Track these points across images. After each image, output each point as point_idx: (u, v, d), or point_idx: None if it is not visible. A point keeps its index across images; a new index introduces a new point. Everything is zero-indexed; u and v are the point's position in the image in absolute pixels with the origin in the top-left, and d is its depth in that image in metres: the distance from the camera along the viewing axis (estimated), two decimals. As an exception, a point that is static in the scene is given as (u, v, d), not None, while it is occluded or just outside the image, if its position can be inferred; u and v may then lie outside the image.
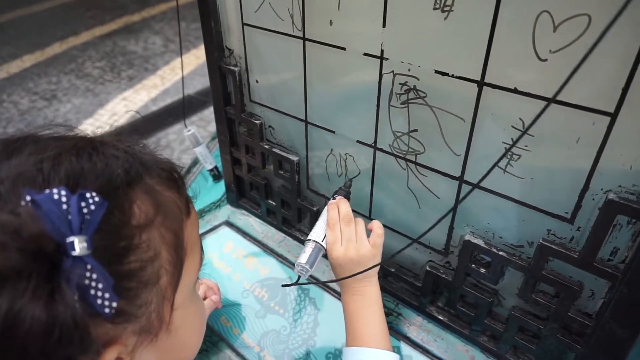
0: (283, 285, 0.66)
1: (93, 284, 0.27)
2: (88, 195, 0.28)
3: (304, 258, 0.61)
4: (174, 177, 0.39)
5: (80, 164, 0.31)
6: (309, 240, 0.63)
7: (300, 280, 0.63)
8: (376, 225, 0.61)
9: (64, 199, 0.27)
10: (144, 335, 0.34)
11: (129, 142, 0.37)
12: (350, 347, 0.58)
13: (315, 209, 0.77)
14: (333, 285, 0.78)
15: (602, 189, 0.46)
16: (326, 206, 0.65)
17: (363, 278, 0.59)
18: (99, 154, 0.32)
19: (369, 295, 0.60)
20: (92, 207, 0.28)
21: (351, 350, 0.58)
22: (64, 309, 0.26)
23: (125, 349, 0.32)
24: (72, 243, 0.26)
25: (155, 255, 0.33)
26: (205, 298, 0.73)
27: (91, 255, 0.27)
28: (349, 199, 0.67)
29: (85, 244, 0.27)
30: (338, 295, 0.76)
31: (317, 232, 0.63)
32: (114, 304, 0.28)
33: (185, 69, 3.01)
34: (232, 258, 0.86)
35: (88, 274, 0.27)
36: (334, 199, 0.66)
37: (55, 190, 0.27)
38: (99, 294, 0.27)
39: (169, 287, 0.35)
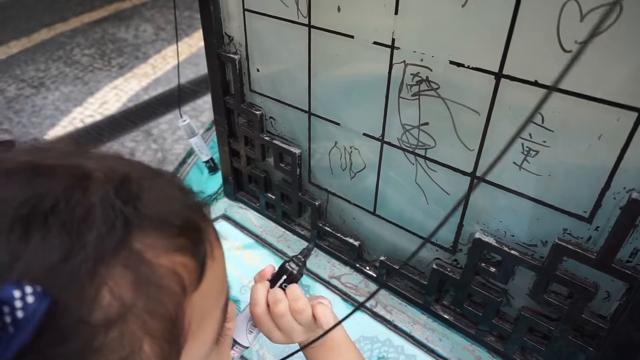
0: None
1: None
2: (17, 294, 0.19)
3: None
4: (188, 231, 0.27)
5: (26, 232, 0.21)
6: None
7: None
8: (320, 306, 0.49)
9: None
10: None
11: (131, 173, 0.26)
12: None
13: (317, 203, 0.75)
14: (335, 282, 0.75)
15: (624, 188, 0.44)
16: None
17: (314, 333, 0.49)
18: (62, 211, 0.22)
19: (332, 342, 0.51)
20: (20, 314, 0.19)
21: None
22: None
23: None
24: None
25: (132, 353, 0.23)
26: None
27: None
28: (299, 277, 0.51)
29: None
30: (340, 292, 0.74)
31: (241, 331, 0.50)
32: None
33: (176, 57, 2.95)
34: (229, 253, 0.83)
35: None
36: (279, 273, 0.51)
37: None
38: None
39: None
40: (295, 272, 0.50)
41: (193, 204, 0.28)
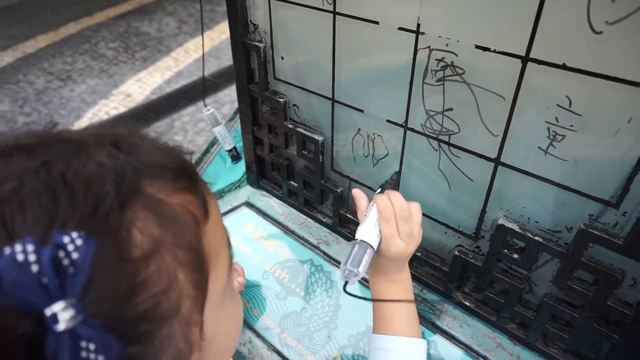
0: (345, 292, 0.54)
1: (93, 356, 0.21)
2: (66, 239, 0.21)
3: (361, 266, 0.52)
4: (184, 174, 0.30)
5: (52, 193, 0.23)
6: (357, 240, 0.54)
7: (349, 285, 0.53)
8: (416, 209, 0.56)
9: (31, 258, 0.20)
10: None
11: (119, 136, 0.29)
12: (379, 335, 0.57)
13: (339, 190, 0.75)
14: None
15: (653, 172, 0.44)
16: (372, 202, 0.58)
17: (401, 265, 0.57)
18: (76, 170, 0.24)
19: (402, 282, 0.58)
20: (75, 255, 0.21)
21: (380, 338, 0.56)
22: None
23: None
24: (54, 315, 0.20)
25: (170, 283, 0.26)
26: None
27: (84, 321, 0.21)
28: (397, 187, 0.61)
29: (72, 311, 0.20)
30: (361, 279, 0.75)
31: (365, 231, 0.55)
32: None
33: (198, 51, 2.98)
34: (252, 239, 0.85)
35: (84, 345, 0.21)
36: (380, 192, 0.59)
37: (18, 248, 0.20)
38: None
39: (194, 312, 0.29)
40: (394, 183, 0.60)
41: (178, 152, 0.32)
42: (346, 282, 0.53)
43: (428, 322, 0.68)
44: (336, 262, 0.77)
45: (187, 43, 3.15)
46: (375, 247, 0.54)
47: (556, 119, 0.47)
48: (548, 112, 0.48)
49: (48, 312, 0.20)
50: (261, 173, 0.90)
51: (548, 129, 0.49)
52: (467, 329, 0.66)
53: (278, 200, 0.89)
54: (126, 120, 2.37)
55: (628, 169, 0.45)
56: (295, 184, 0.83)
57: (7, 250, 0.20)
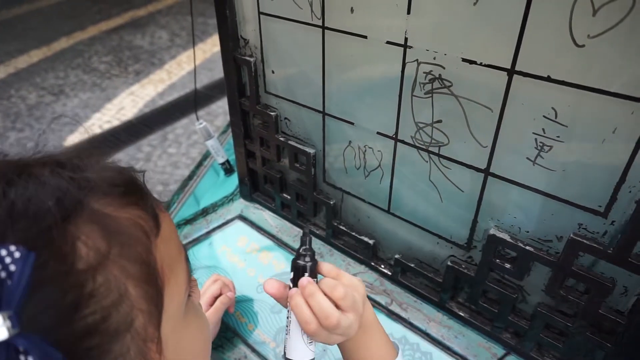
0: None
1: None
2: (4, 252, 0.21)
3: None
4: (133, 190, 0.31)
5: None
6: None
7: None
8: (353, 289, 0.47)
9: None
10: None
11: (65, 156, 0.29)
12: None
13: (331, 202, 0.76)
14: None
15: (640, 181, 0.44)
16: (289, 304, 0.48)
17: (356, 326, 0.47)
18: (17, 188, 0.25)
19: (371, 330, 0.50)
20: (12, 268, 0.21)
21: None
22: None
23: None
24: None
25: (120, 296, 0.26)
26: (220, 294, 0.72)
27: (22, 333, 0.21)
28: (314, 270, 0.48)
29: (8, 323, 0.20)
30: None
31: (294, 346, 0.47)
32: None
33: (191, 63, 2.99)
34: (245, 252, 0.84)
35: (23, 359, 0.21)
36: (297, 275, 0.48)
37: None
38: None
39: (149, 326, 0.28)
40: (309, 263, 0.47)
41: (128, 171, 0.33)
42: None
43: (423, 333, 0.68)
44: (330, 274, 0.77)
45: (180, 56, 3.16)
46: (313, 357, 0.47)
47: (543, 130, 0.48)
48: (535, 123, 0.48)
49: None
50: (254, 186, 0.90)
51: (535, 139, 0.49)
52: (462, 339, 0.66)
53: (271, 213, 0.89)
54: (120, 134, 2.37)
55: (615, 179, 0.46)
56: (288, 197, 0.83)
57: None
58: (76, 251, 0.25)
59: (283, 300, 0.49)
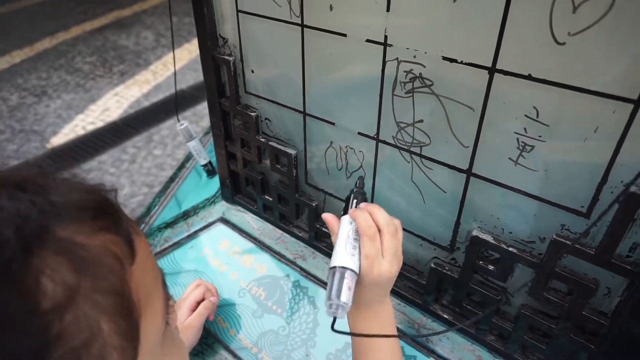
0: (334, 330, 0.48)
1: None
2: None
3: (342, 295, 0.46)
4: (104, 213, 0.28)
5: None
6: (336, 267, 0.48)
7: (338, 319, 0.47)
8: (399, 226, 0.52)
9: None
10: None
11: (25, 177, 0.26)
12: None
13: (314, 204, 0.74)
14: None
15: (621, 182, 0.44)
16: (345, 218, 0.52)
17: (384, 291, 0.51)
18: None
19: (383, 316, 0.53)
20: None
21: None
22: None
23: None
24: None
25: (92, 335, 0.24)
26: (202, 300, 0.70)
27: None
28: (366, 201, 0.56)
29: None
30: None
31: (341, 255, 0.48)
32: None
33: (177, 63, 2.96)
34: (227, 256, 0.83)
35: None
36: (351, 204, 0.54)
37: None
38: None
39: None
40: (361, 191, 0.56)
41: (98, 190, 0.29)
42: (334, 319, 0.47)
43: (407, 337, 0.66)
44: (313, 277, 0.76)
45: (166, 56, 3.12)
46: (357, 271, 0.48)
47: (524, 129, 0.47)
48: (516, 122, 0.47)
49: None
50: (235, 188, 0.89)
51: (517, 139, 0.48)
52: (447, 342, 0.65)
53: (253, 215, 0.88)
54: (104, 135, 2.33)
55: (597, 179, 0.45)
56: (270, 199, 0.81)
57: None
58: (41, 287, 0.22)
59: (335, 226, 0.53)
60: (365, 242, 0.48)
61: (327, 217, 0.55)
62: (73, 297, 0.23)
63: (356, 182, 0.57)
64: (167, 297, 0.33)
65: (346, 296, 0.46)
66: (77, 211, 0.26)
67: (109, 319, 0.25)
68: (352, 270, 0.47)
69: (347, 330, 0.52)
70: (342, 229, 0.51)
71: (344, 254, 0.48)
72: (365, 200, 0.55)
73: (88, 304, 0.24)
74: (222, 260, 0.82)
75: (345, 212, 0.53)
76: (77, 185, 0.28)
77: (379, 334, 0.51)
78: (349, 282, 0.46)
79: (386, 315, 0.53)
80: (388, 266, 0.48)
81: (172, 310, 0.35)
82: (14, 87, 2.78)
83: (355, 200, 0.55)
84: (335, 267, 0.48)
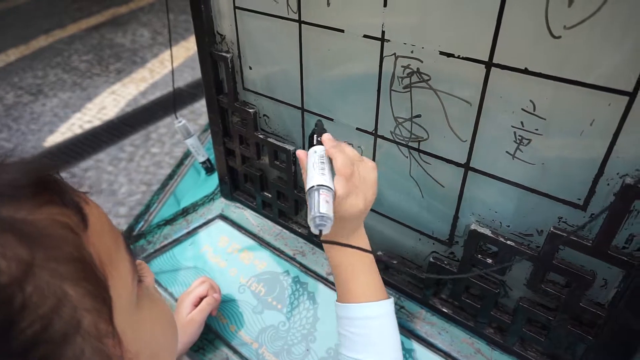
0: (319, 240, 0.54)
1: None
2: None
3: (323, 208, 0.47)
4: (45, 187, 0.28)
5: None
6: (313, 187, 0.49)
7: (323, 234, 0.49)
8: (372, 167, 0.54)
9: None
10: None
11: None
12: (342, 304, 0.55)
13: (313, 200, 0.74)
14: (332, 278, 0.75)
15: (617, 174, 0.44)
16: (311, 150, 0.56)
17: (357, 228, 0.54)
18: None
19: (360, 243, 0.55)
20: None
21: (343, 307, 0.55)
22: None
23: None
24: None
25: (59, 300, 0.25)
26: (206, 296, 0.71)
27: None
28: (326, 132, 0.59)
29: None
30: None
31: (315, 178, 0.50)
32: None
33: (174, 61, 2.95)
34: (227, 252, 0.83)
35: None
36: (315, 140, 0.58)
37: None
38: None
39: (99, 323, 0.27)
40: (320, 128, 0.59)
41: (37, 169, 0.29)
42: (320, 232, 0.49)
43: (406, 330, 0.67)
44: (313, 273, 0.76)
45: (163, 54, 3.11)
46: (332, 187, 0.50)
47: (521, 123, 0.47)
48: (513, 116, 0.48)
49: None
50: (234, 185, 0.89)
51: (514, 133, 0.49)
52: (446, 335, 0.66)
53: (252, 212, 0.88)
54: (101, 134, 2.33)
55: (593, 171, 0.45)
56: (269, 195, 0.82)
57: None
58: None
59: (304, 162, 0.56)
60: (340, 181, 0.50)
61: (298, 152, 0.58)
62: (29, 269, 0.24)
63: (316, 123, 0.62)
64: (133, 257, 0.35)
65: (325, 208, 0.47)
66: (16, 190, 0.27)
67: (74, 284, 0.26)
68: (325, 186, 0.49)
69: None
70: (310, 160, 0.54)
71: (314, 175, 0.51)
72: (325, 131, 0.59)
73: (46, 273, 0.25)
74: (221, 256, 0.83)
75: (310, 146, 0.57)
76: (13, 165, 0.29)
77: (355, 246, 0.52)
78: (325, 196, 0.48)
79: (362, 244, 0.55)
80: (362, 203, 0.51)
81: (144, 268, 0.37)
82: (10, 86, 2.77)
83: (315, 135, 0.58)
84: (311, 187, 0.50)
